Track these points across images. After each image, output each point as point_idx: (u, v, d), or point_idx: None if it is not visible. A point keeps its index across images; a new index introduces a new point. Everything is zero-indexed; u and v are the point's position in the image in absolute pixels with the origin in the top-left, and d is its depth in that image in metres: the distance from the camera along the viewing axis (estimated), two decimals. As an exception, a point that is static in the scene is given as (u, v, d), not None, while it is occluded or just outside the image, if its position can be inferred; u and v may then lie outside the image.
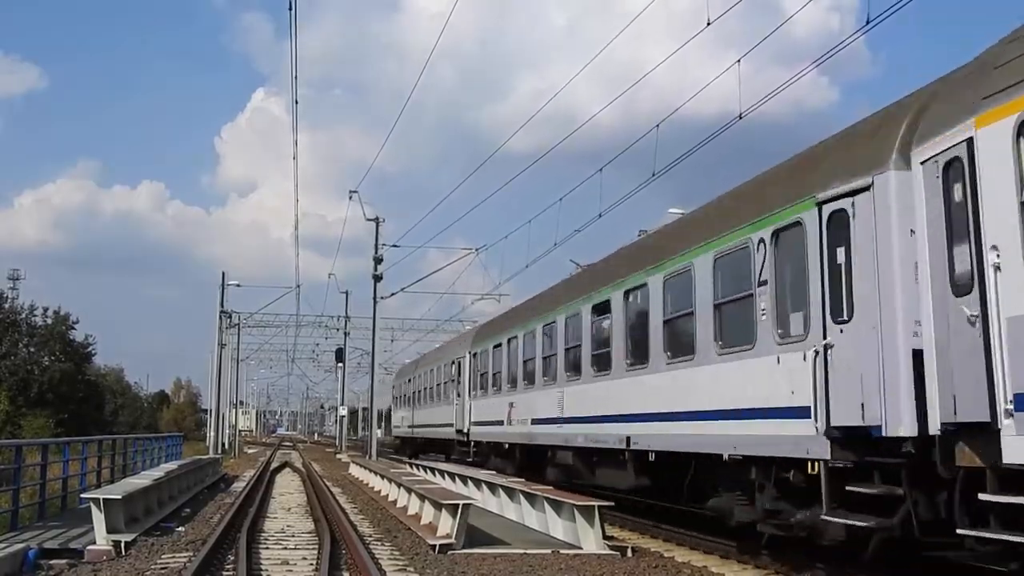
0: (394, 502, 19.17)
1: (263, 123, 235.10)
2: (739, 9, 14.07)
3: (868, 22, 11.36)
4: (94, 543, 12.26)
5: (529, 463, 20.70)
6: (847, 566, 9.98)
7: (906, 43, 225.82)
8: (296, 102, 29.46)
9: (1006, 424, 6.90)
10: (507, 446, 22.36)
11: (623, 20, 64.31)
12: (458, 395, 27.88)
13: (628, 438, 13.93)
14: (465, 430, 26.76)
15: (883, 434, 8.21)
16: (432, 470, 23.40)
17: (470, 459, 26.16)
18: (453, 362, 29.02)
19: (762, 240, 10.29)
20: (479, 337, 27.01)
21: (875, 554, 9.15)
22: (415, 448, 39.12)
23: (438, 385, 32.12)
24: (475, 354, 26.35)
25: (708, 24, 14.15)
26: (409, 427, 39.80)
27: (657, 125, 17.58)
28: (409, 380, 40.64)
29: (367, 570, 10.22)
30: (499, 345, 23.39)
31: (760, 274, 10.30)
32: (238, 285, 56.48)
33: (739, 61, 14.66)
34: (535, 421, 19.39)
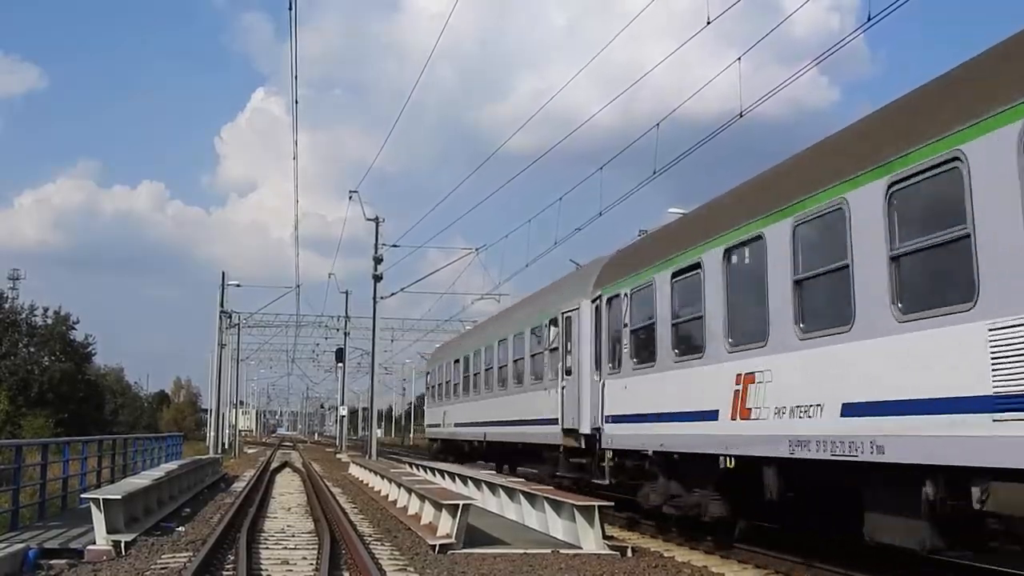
0: (394, 502, 19.16)
1: (263, 123, 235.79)
2: (739, 8, 14.04)
3: (869, 19, 11.32)
4: (94, 543, 12.25)
5: (818, 509, 10.46)
6: (848, 566, 9.97)
7: (907, 41, 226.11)
8: (296, 102, 29.43)
9: None
10: (727, 463, 10.94)
11: (623, 20, 64.46)
12: (567, 373, 17.15)
13: None
14: (586, 430, 15.88)
15: None
16: (432, 470, 23.37)
17: (604, 481, 15.18)
18: (552, 321, 18.33)
19: None
20: (618, 267, 15.38)
21: (877, 554, 9.13)
22: (464, 455, 28.72)
23: (516, 361, 21.59)
24: (611, 299, 14.87)
25: (708, 23, 14.16)
26: (456, 425, 29.08)
27: (657, 124, 17.51)
28: (456, 361, 29.50)
29: (367, 570, 10.20)
30: (691, 269, 11.97)
31: None
32: (238, 285, 56.60)
33: (739, 59, 14.66)
34: (902, 407, 7.88)
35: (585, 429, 15.92)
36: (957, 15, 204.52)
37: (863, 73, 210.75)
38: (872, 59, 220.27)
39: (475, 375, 26.30)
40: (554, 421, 17.68)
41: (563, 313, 17.56)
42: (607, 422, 14.73)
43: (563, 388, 17.26)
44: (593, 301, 15.87)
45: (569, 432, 16.79)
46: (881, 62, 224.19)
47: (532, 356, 20.02)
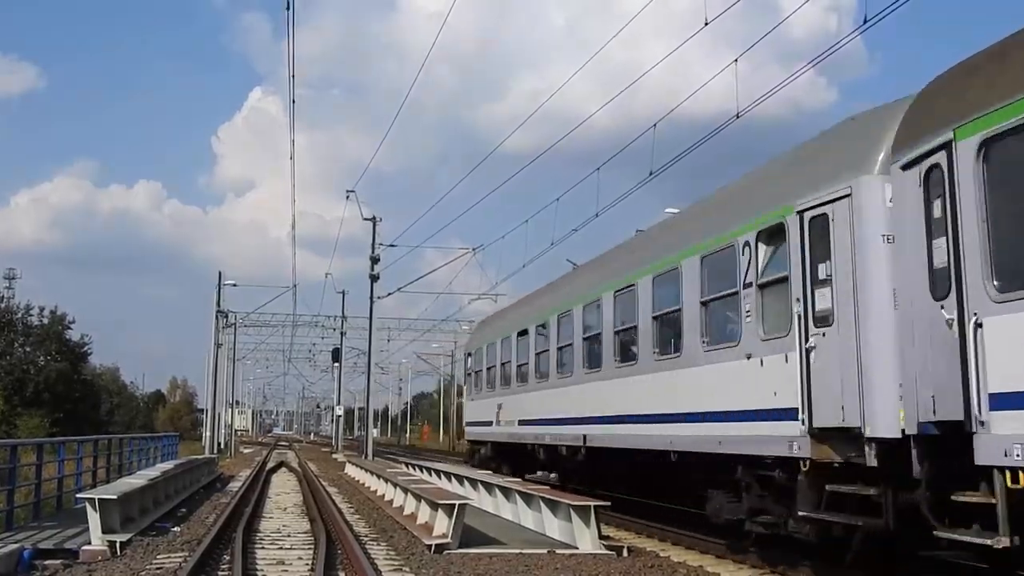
0: (390, 502, 19.15)
1: (261, 123, 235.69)
2: (737, 9, 14.04)
3: (865, 21, 11.33)
4: (89, 543, 12.22)
5: None
6: (841, 565, 9.97)
7: (905, 42, 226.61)
8: (293, 102, 29.30)
9: None
10: None
11: (622, 20, 64.43)
12: (819, 322, 9.21)
13: None
14: (888, 431, 8.27)
15: None
16: (429, 470, 23.36)
17: (981, 540, 6.96)
18: (764, 235, 10.41)
19: None
20: None
21: (868, 553, 9.10)
22: (538, 465, 19.95)
23: (660, 318, 13.23)
24: (993, 142, 6.92)
25: (706, 24, 14.17)
26: (521, 424, 20.67)
27: (655, 124, 17.54)
28: (522, 333, 21.05)
29: (363, 570, 10.20)
30: None
31: None
32: (235, 285, 56.62)
33: (736, 60, 14.65)
34: None
35: (887, 430, 8.31)
36: (955, 16, 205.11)
37: (861, 73, 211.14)
38: (870, 60, 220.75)
39: (561, 349, 17.94)
40: (784, 413, 9.64)
41: (803, 212, 9.55)
42: (998, 407, 6.84)
43: (808, 351, 9.32)
44: (906, 167, 8.14)
45: (828, 434, 9.06)
46: (879, 62, 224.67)
47: (705, 304, 11.80)
